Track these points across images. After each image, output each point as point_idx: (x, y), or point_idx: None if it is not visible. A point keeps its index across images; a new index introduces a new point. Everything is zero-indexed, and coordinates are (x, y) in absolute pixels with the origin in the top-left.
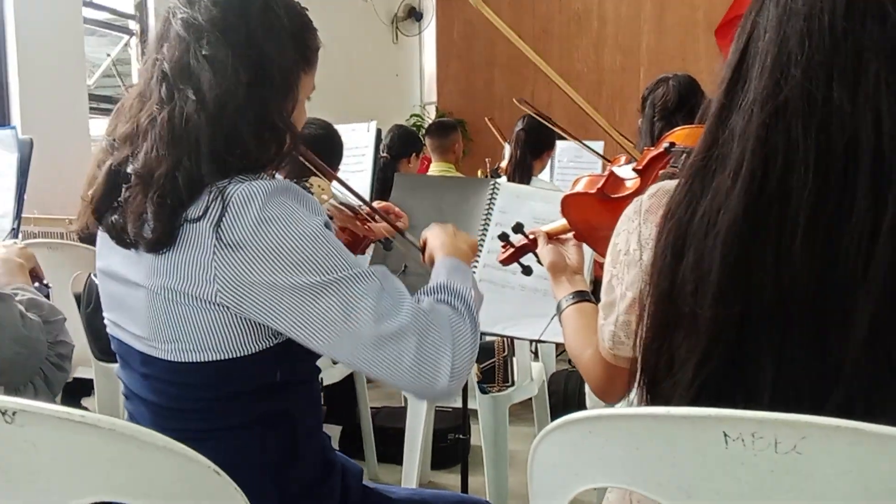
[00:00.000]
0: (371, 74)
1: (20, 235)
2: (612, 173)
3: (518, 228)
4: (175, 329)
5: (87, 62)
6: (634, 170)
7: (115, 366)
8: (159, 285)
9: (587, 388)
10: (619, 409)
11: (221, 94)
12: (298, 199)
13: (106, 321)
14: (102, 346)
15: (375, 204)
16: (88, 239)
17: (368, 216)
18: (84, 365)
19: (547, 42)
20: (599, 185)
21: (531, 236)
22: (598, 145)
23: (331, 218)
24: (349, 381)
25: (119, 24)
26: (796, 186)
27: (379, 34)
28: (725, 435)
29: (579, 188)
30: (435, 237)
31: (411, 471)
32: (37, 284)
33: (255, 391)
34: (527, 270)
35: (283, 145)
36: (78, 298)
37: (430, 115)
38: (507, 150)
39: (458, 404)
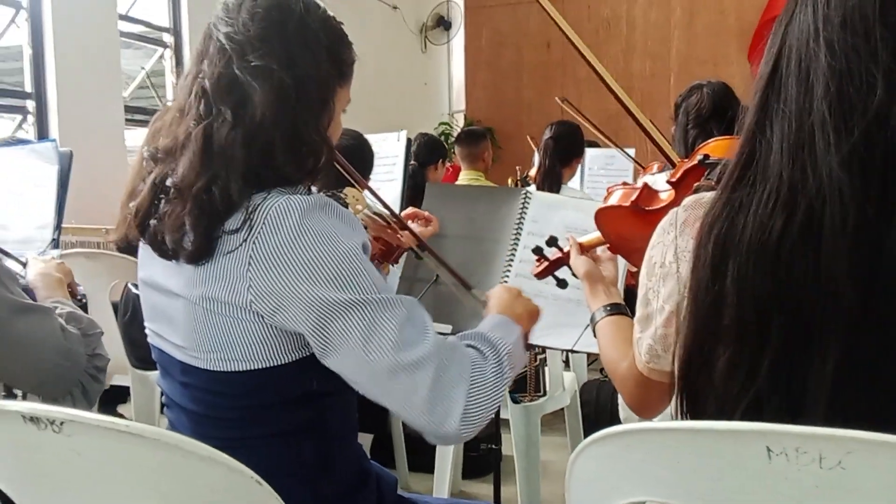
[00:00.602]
0: (400, 83)
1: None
2: (645, 185)
3: (552, 242)
4: (213, 339)
5: (123, 74)
6: (668, 182)
7: (152, 373)
8: (198, 295)
9: (620, 399)
10: (659, 422)
11: (259, 110)
12: (338, 216)
13: (147, 331)
14: (139, 354)
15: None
16: (126, 249)
17: (399, 225)
18: (119, 373)
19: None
20: (633, 197)
21: (565, 249)
22: (630, 152)
23: (365, 227)
24: None
25: (153, 37)
26: (837, 195)
27: (408, 43)
28: (769, 449)
29: (613, 201)
30: (496, 296)
31: (443, 480)
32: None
33: (291, 400)
34: (562, 284)
35: (319, 159)
36: (115, 307)
37: (459, 124)
38: (537, 157)
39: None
